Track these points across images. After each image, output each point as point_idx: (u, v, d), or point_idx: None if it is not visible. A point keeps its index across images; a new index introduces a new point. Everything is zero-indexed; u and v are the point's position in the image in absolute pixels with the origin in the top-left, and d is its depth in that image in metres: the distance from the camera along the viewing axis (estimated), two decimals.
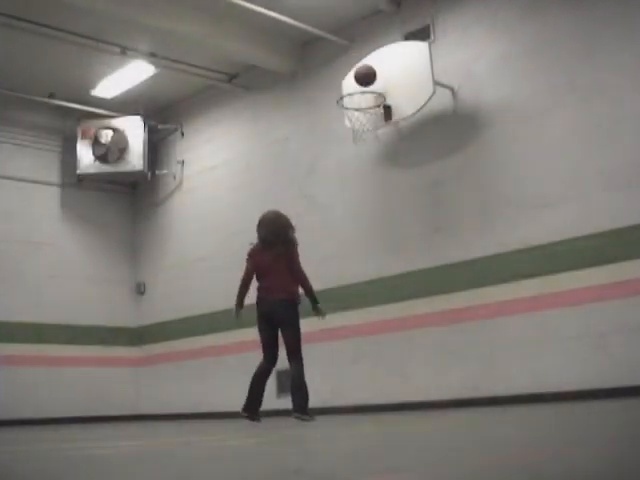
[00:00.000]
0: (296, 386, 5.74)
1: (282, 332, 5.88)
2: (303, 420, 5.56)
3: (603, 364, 5.91)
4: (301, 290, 5.93)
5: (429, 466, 2.01)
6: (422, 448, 2.72)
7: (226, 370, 9.09)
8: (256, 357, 8.94)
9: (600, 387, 5.86)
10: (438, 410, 6.54)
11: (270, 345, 5.93)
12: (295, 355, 5.82)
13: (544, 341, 6.28)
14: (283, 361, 8.41)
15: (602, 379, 5.88)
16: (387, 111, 7.20)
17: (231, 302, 9.47)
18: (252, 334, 8.78)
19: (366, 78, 7.08)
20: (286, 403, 8.33)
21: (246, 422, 5.75)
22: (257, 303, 5.92)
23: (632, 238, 5.90)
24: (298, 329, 5.85)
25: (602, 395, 5.75)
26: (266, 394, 8.47)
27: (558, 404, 5.76)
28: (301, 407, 5.64)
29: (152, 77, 9.19)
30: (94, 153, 9.83)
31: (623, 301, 5.86)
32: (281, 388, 8.44)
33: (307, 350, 8.25)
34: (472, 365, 6.77)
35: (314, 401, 8.02)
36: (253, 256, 5.98)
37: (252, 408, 5.78)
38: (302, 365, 5.80)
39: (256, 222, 9.45)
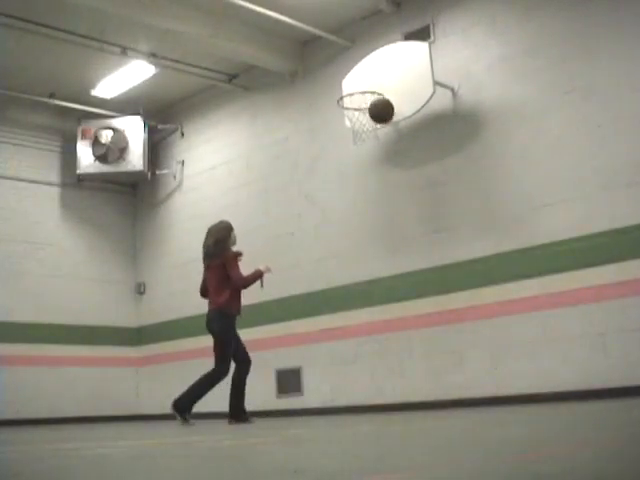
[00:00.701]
0: (190, 387, 5.94)
1: None
2: (176, 420, 5.86)
3: (603, 364, 5.91)
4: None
5: (429, 466, 2.02)
6: (422, 448, 2.72)
7: None
8: (254, 357, 8.94)
9: (600, 387, 5.86)
10: (438, 410, 6.54)
11: None
12: (215, 364, 5.99)
13: (544, 341, 6.28)
14: (283, 360, 8.43)
15: (602, 379, 5.88)
16: None
17: None
18: (251, 334, 8.81)
19: (383, 113, 6.92)
20: (286, 403, 8.35)
21: (241, 423, 5.77)
22: None
23: (632, 238, 5.90)
24: (223, 340, 6.03)
25: (602, 395, 5.76)
26: (266, 394, 8.50)
27: (558, 404, 5.76)
28: (179, 404, 5.90)
29: (152, 77, 9.19)
30: (94, 153, 9.83)
31: (623, 301, 5.86)
32: (281, 389, 8.45)
33: (307, 350, 8.30)
34: (472, 365, 6.77)
35: (314, 401, 8.05)
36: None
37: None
38: (211, 376, 5.92)
39: (255, 222, 9.50)
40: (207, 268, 6.20)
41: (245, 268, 9.13)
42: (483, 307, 6.75)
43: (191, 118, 10.18)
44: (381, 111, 6.85)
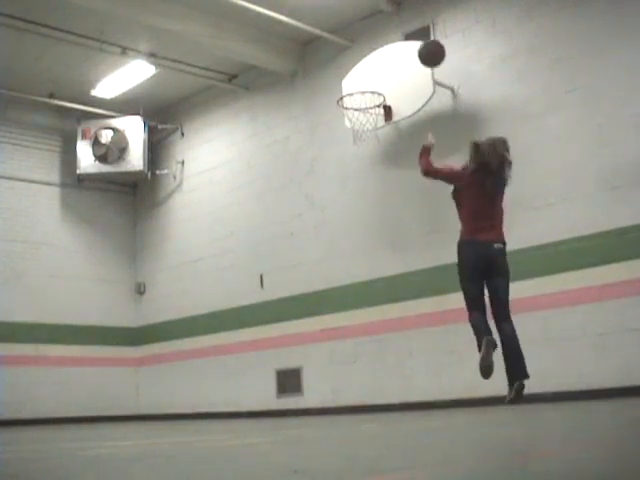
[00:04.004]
0: (513, 351, 4.79)
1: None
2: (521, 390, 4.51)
3: (603, 364, 5.91)
4: None
5: (429, 466, 2.01)
6: (422, 448, 2.72)
7: (226, 370, 9.10)
8: (254, 357, 8.94)
9: (599, 387, 5.86)
10: (438, 410, 6.54)
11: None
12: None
13: (544, 341, 6.27)
14: (283, 360, 8.43)
15: (601, 379, 5.88)
16: (387, 111, 7.20)
17: (230, 302, 9.48)
18: (250, 334, 8.82)
19: (434, 58, 6.59)
20: (286, 403, 8.34)
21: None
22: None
23: (632, 238, 5.90)
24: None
25: (602, 395, 5.75)
26: (266, 394, 8.49)
27: (558, 404, 5.76)
28: (522, 373, 4.56)
29: (152, 77, 9.20)
30: (94, 153, 9.83)
31: (623, 301, 5.86)
32: (281, 388, 8.44)
33: (307, 350, 8.31)
34: (472, 365, 6.75)
35: (314, 401, 8.05)
36: None
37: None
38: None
39: (255, 222, 9.47)
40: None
41: (245, 268, 9.17)
42: None
43: (191, 118, 10.18)
44: (432, 54, 6.49)
